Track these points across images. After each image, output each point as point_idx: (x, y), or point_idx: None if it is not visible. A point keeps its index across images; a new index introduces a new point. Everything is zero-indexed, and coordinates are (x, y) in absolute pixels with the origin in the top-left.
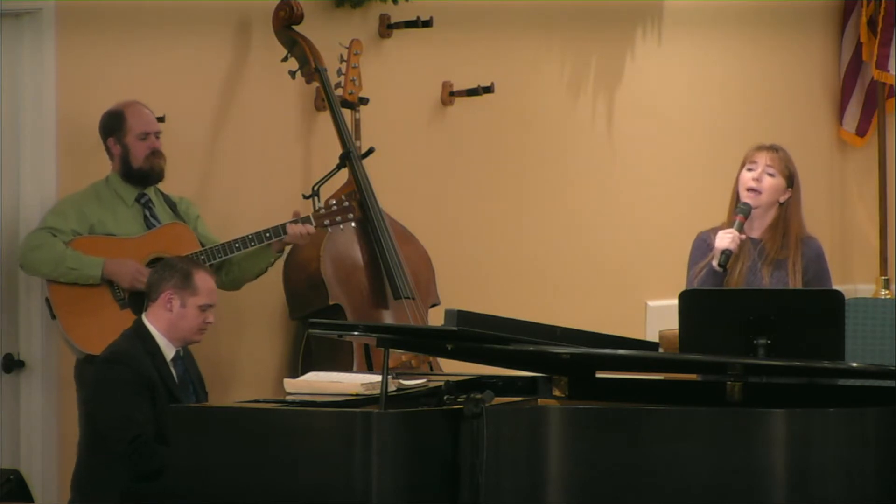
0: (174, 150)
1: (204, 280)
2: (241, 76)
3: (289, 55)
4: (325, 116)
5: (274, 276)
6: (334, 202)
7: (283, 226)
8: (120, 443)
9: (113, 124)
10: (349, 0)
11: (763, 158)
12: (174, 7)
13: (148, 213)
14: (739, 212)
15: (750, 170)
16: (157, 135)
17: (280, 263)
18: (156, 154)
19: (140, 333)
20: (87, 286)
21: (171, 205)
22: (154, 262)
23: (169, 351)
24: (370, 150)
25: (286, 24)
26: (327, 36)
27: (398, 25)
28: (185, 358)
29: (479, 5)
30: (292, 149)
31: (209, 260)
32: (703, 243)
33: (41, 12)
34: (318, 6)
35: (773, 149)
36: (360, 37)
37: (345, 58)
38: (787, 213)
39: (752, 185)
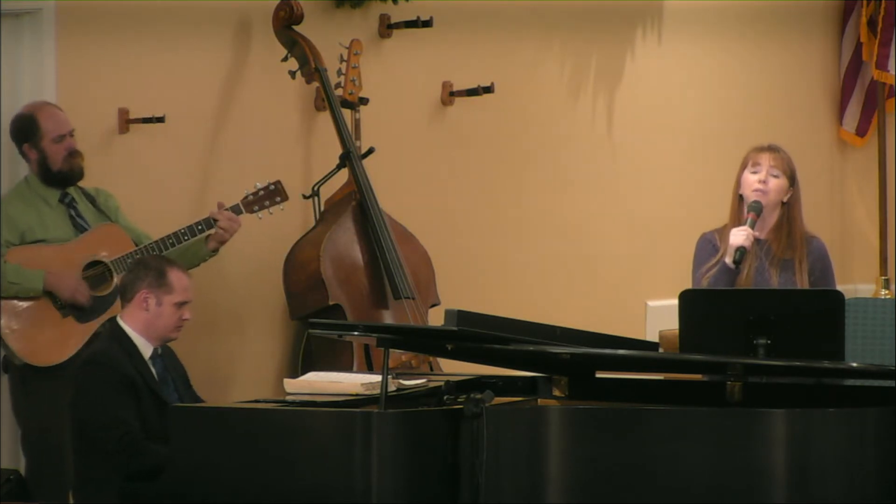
0: (174, 149)
1: (178, 277)
2: (241, 76)
3: (289, 55)
4: (325, 116)
5: (274, 276)
6: (261, 186)
7: (212, 217)
8: (109, 442)
9: (26, 129)
10: (349, 0)
11: (766, 160)
12: (174, 7)
13: (73, 213)
14: (751, 209)
15: (754, 172)
16: (71, 134)
17: (280, 263)
18: (73, 154)
19: (116, 334)
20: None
21: (91, 199)
22: (91, 266)
23: (146, 350)
24: (370, 150)
25: (286, 24)
26: (327, 36)
27: (398, 25)
28: (164, 355)
29: (479, 5)
30: (292, 149)
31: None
32: (707, 244)
33: (41, 12)
34: (318, 6)
35: (773, 149)
36: (360, 37)
37: (345, 58)
38: (790, 213)
39: (759, 186)
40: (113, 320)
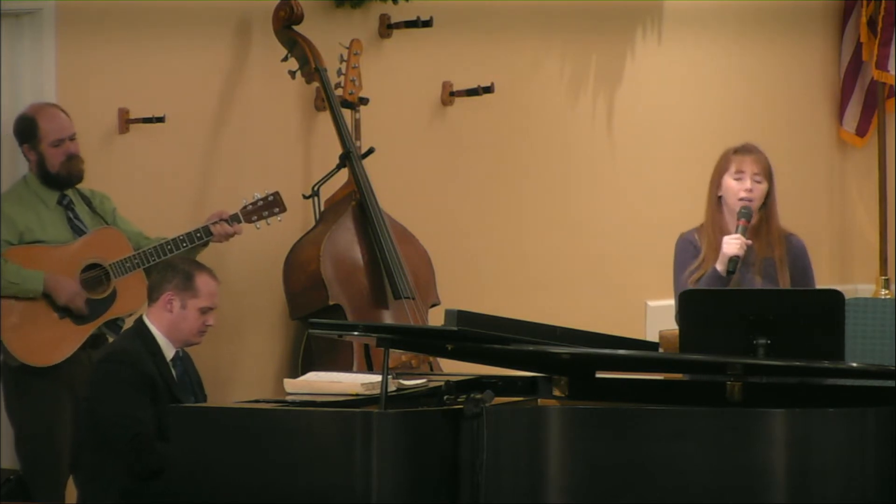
0: (174, 150)
1: (205, 282)
2: (241, 76)
3: (289, 55)
4: (325, 116)
5: (274, 277)
6: (260, 197)
7: (207, 227)
8: (120, 440)
9: (26, 131)
10: (349, 0)
11: (749, 166)
12: (174, 7)
13: (71, 215)
14: (742, 216)
15: (737, 179)
16: (71, 138)
17: (280, 263)
18: (72, 159)
19: (141, 333)
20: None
21: (87, 201)
22: (89, 269)
23: (169, 351)
24: (370, 150)
25: (286, 24)
26: (327, 36)
27: (398, 25)
28: (183, 359)
29: (479, 5)
30: (292, 149)
31: (143, 264)
32: (688, 245)
33: (41, 12)
34: (318, 6)
35: (751, 151)
36: (360, 37)
37: (345, 58)
38: (768, 212)
39: (745, 195)
40: (140, 318)
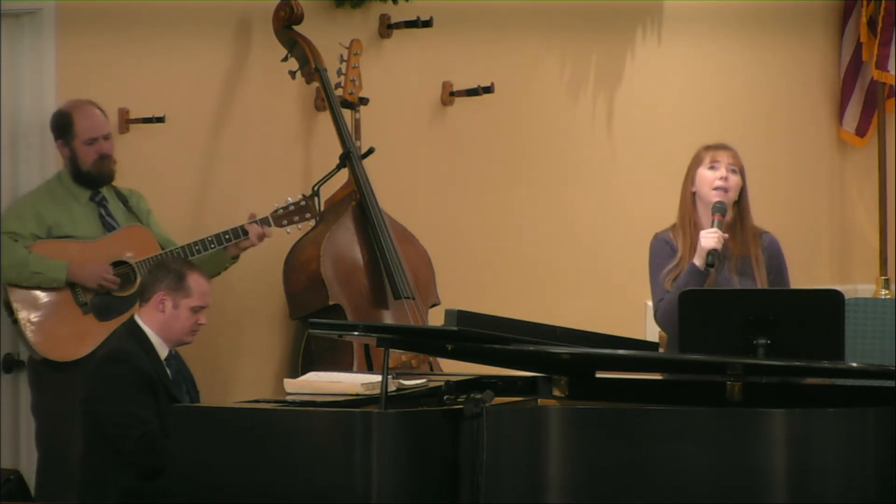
0: (174, 150)
1: (197, 282)
2: (241, 76)
3: (289, 55)
4: (325, 116)
5: (274, 276)
6: (293, 201)
7: (243, 227)
8: (127, 440)
9: (61, 126)
10: (349, 0)
11: (724, 157)
12: (174, 7)
13: (103, 212)
14: (717, 211)
15: (713, 168)
16: (106, 137)
17: (280, 263)
18: (104, 158)
19: (134, 333)
20: (48, 290)
21: (123, 199)
22: (115, 266)
23: (163, 350)
24: (370, 150)
25: (286, 24)
26: (327, 36)
27: (398, 25)
28: (175, 357)
29: (479, 5)
30: (292, 149)
31: None
32: (665, 245)
33: (41, 12)
34: (318, 6)
35: (727, 147)
36: (360, 37)
37: (345, 58)
38: (741, 209)
39: (721, 184)
40: (132, 318)
